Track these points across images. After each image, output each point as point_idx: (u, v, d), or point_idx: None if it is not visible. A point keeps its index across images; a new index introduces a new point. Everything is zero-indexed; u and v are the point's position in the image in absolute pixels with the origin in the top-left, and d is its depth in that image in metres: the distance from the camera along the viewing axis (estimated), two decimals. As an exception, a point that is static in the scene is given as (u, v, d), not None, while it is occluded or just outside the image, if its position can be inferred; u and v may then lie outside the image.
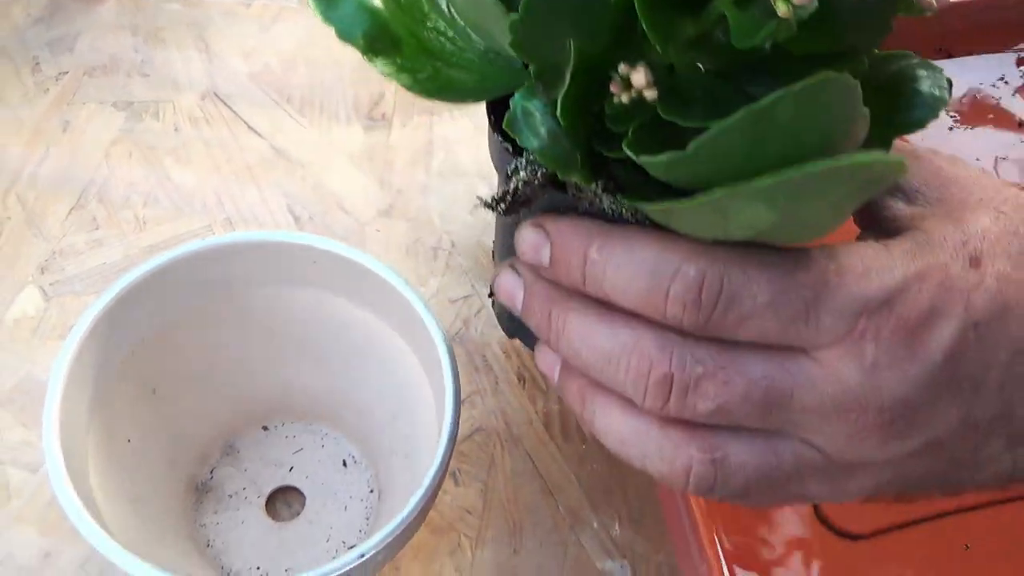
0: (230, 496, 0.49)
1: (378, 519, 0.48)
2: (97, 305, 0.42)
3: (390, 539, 0.37)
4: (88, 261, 0.56)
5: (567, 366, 0.33)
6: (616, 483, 0.51)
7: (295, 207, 0.60)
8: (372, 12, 0.31)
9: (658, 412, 0.30)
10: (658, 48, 0.27)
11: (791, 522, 0.48)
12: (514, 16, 0.27)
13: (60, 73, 0.64)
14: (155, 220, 0.58)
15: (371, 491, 0.49)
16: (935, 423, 0.28)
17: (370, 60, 0.31)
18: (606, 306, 0.30)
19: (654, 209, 0.28)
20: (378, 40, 0.31)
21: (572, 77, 0.27)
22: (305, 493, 0.49)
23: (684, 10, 0.27)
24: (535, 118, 0.29)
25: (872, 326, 0.27)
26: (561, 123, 0.28)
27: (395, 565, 0.47)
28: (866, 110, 0.26)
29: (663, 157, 0.26)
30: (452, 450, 0.40)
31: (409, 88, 0.32)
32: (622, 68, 0.27)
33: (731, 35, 0.26)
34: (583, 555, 0.49)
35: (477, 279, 0.57)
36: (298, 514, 0.49)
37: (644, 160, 0.27)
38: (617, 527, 0.50)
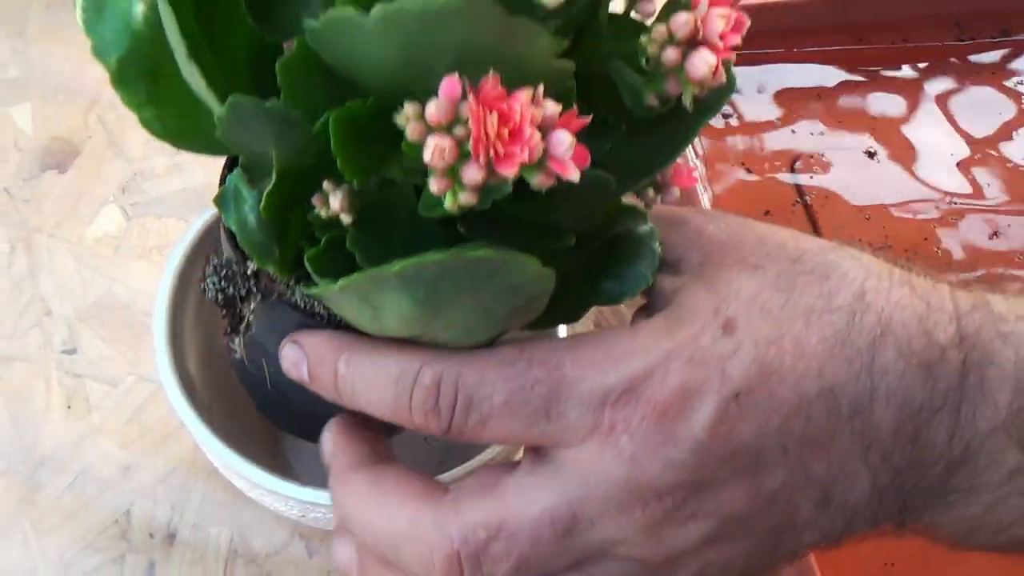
0: (310, 421, 0.49)
1: (450, 450, 0.48)
2: (203, 216, 0.42)
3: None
4: (169, 184, 0.57)
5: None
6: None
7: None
8: (135, 35, 0.28)
9: None
10: (354, 184, 0.25)
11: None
12: (220, 111, 0.25)
13: None
14: (235, 148, 0.58)
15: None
16: (723, 501, 0.26)
17: (115, 87, 0.28)
18: (377, 482, 0.29)
19: (315, 294, 0.27)
20: (132, 66, 0.28)
21: (278, 180, 0.26)
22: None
23: (387, 153, 0.25)
24: (245, 202, 0.28)
25: (620, 416, 0.26)
26: (263, 215, 0.27)
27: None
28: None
29: (317, 288, 0.26)
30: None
31: (146, 125, 0.28)
32: (326, 184, 0.26)
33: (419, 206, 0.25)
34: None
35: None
36: (377, 442, 0.49)
37: (316, 284, 0.26)
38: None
